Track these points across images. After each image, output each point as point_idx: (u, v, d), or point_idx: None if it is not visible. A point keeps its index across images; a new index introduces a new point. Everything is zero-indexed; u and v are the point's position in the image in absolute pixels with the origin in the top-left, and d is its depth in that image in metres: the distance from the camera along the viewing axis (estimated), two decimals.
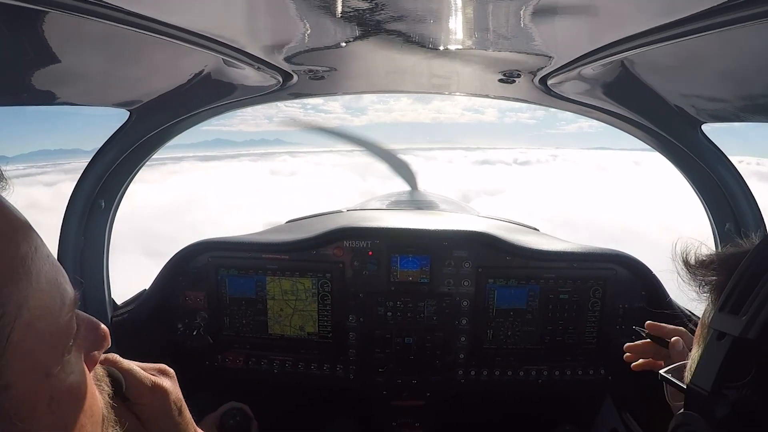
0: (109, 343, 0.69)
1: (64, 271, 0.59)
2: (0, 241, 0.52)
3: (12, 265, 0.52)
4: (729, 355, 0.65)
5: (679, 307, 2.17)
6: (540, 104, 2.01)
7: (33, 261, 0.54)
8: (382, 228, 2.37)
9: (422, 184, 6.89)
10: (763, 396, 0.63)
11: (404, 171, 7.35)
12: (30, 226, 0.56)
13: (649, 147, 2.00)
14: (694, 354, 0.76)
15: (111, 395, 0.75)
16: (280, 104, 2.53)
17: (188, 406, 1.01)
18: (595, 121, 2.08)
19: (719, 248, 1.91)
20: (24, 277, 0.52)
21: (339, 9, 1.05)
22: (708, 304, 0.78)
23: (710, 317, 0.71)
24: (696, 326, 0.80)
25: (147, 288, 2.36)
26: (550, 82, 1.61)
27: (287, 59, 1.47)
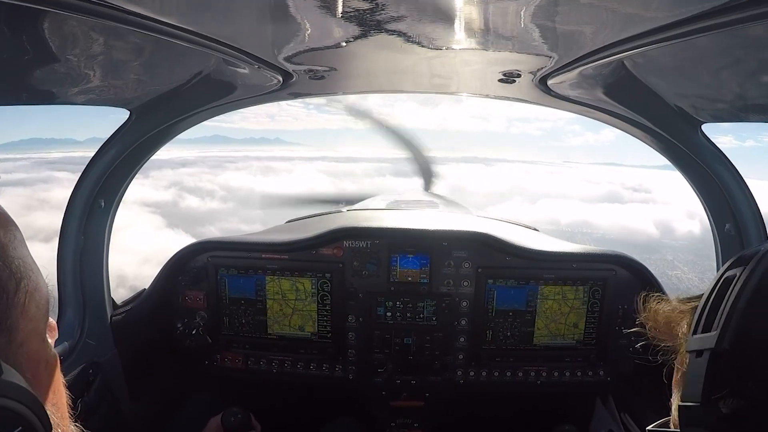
0: (56, 334, 0.71)
1: None
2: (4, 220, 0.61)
3: (21, 240, 0.62)
4: (710, 367, 0.68)
5: None
6: (540, 104, 2.01)
7: (23, 241, 0.63)
8: (382, 228, 2.37)
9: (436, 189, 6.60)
10: (750, 401, 0.65)
11: (427, 171, 7.13)
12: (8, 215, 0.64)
13: (658, 165, 2.00)
14: (676, 399, 0.79)
15: None
16: (283, 103, 2.53)
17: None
18: (600, 135, 2.08)
19: (719, 249, 1.93)
20: (27, 252, 0.62)
21: (339, 9, 1.05)
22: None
23: (687, 343, 0.75)
24: None
25: (146, 287, 2.36)
26: (550, 82, 1.61)
27: (287, 59, 1.47)
